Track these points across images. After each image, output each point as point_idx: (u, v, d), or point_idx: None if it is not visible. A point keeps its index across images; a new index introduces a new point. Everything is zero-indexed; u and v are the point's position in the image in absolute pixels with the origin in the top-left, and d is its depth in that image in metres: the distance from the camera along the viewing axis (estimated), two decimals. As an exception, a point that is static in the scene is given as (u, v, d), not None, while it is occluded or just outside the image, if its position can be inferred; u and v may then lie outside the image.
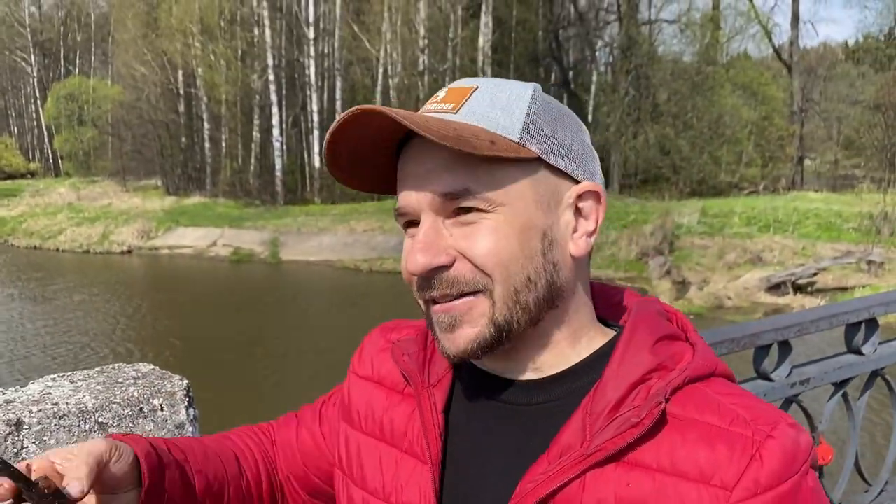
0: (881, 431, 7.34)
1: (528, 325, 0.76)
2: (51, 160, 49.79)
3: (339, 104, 33.06)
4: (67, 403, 1.33)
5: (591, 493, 0.70)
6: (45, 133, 49.96)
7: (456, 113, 0.75)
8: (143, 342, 14.60)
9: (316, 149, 32.76)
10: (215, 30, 33.41)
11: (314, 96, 32.86)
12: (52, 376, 1.47)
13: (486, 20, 32.12)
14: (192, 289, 20.52)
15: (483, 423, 0.80)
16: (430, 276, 0.75)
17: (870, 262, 17.27)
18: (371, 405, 0.90)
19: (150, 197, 33.81)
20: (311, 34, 32.37)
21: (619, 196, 28.23)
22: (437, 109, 0.77)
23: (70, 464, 0.76)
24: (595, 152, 0.83)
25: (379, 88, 33.13)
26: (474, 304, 0.75)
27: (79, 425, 1.32)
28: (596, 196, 0.78)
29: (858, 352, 1.96)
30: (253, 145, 33.80)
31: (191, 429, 1.38)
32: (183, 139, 35.89)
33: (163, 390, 1.38)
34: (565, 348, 0.79)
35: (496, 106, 0.75)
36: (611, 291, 0.89)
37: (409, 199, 0.76)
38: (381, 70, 32.99)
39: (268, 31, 32.56)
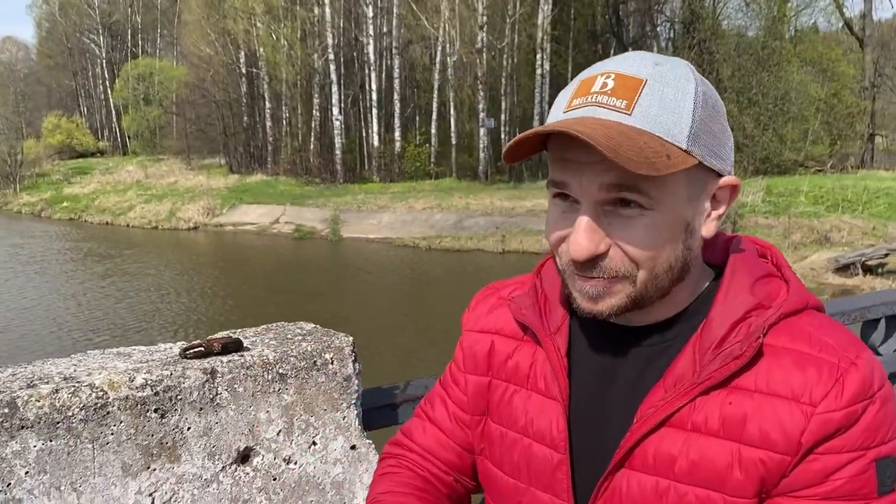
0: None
1: (659, 297, 0.85)
2: (118, 139, 51.33)
3: (396, 83, 33.13)
4: (252, 356, 1.48)
5: (700, 413, 0.82)
6: (113, 113, 51.53)
7: (630, 114, 0.78)
8: (243, 312, 14.98)
9: (375, 127, 32.93)
10: (278, 10, 33.82)
11: (373, 75, 33.02)
12: (227, 332, 1.62)
13: (545, -4, 31.73)
14: (266, 264, 20.95)
15: (603, 363, 0.91)
16: (585, 260, 0.82)
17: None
18: (494, 353, 1.01)
19: (213, 175, 34.61)
20: (370, 13, 32.48)
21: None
22: (610, 105, 0.79)
23: None
24: (729, 129, 0.87)
25: (437, 66, 33.09)
26: (618, 284, 0.83)
27: (263, 375, 1.46)
28: (733, 188, 0.86)
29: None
30: (313, 124, 34.20)
31: (356, 381, 1.50)
32: (245, 118, 36.57)
33: (332, 346, 1.51)
34: (679, 299, 0.88)
35: (665, 108, 0.78)
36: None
37: (572, 182, 0.81)
38: (439, 48, 32.94)
39: (328, 11, 32.79)
